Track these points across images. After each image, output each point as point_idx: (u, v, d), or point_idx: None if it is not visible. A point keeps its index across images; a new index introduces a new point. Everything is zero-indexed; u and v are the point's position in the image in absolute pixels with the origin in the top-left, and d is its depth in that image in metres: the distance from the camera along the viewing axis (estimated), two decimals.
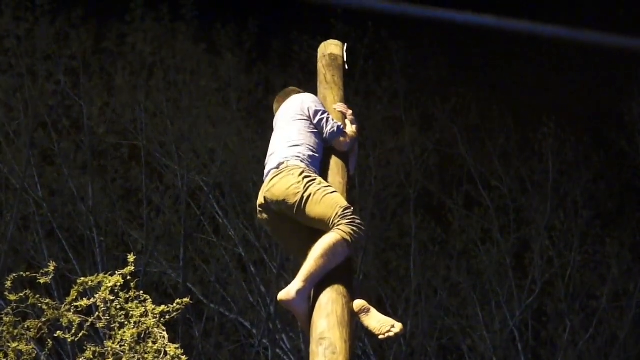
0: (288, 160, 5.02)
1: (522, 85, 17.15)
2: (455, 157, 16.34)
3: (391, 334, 4.60)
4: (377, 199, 15.47)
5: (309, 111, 5.24)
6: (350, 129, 5.37)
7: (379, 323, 4.63)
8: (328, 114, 5.29)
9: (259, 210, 5.09)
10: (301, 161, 5.02)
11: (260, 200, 5.05)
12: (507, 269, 15.59)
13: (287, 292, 4.63)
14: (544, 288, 15.70)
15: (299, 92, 5.53)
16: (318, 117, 5.23)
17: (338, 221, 4.75)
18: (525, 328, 15.65)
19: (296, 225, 4.97)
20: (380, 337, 4.62)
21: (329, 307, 4.51)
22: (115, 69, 14.87)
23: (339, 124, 5.29)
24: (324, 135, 5.22)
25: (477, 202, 16.10)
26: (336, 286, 4.61)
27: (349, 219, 4.75)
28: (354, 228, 4.73)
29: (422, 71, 16.28)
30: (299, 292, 4.61)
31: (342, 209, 4.78)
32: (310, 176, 4.93)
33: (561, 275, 15.65)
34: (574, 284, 15.70)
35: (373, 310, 4.68)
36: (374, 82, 16.09)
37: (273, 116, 5.55)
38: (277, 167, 5.03)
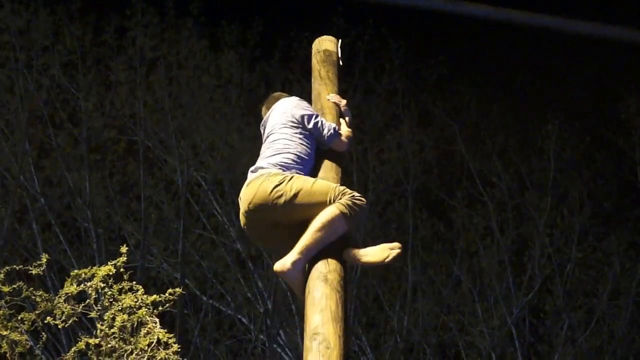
0: (268, 169, 4.98)
1: (521, 84, 17.12)
2: (454, 154, 16.32)
3: (394, 254, 4.72)
4: (375, 195, 15.45)
5: (301, 118, 5.20)
6: (345, 127, 5.36)
7: (377, 253, 4.72)
8: (321, 117, 5.26)
9: (245, 216, 5.01)
10: (284, 168, 4.98)
11: (245, 207, 4.98)
12: (505, 265, 15.58)
13: (283, 264, 4.67)
14: (543, 285, 15.69)
15: (286, 97, 5.48)
16: (313, 122, 5.20)
17: (339, 197, 4.77)
18: (523, 325, 15.64)
19: (280, 228, 4.94)
20: (387, 261, 4.71)
21: (323, 302, 4.48)
22: (115, 63, 14.86)
23: (334, 125, 5.26)
24: (323, 139, 5.19)
25: (476, 199, 16.08)
26: (330, 281, 4.58)
27: (349, 194, 4.78)
28: (355, 201, 4.76)
29: (422, 69, 16.28)
30: (294, 263, 4.64)
31: (338, 187, 4.81)
32: (289, 176, 4.90)
33: (560, 273, 15.64)
34: (573, 282, 15.69)
35: (363, 249, 4.74)
36: (373, 79, 16.09)
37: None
38: (256, 172, 5.00)
